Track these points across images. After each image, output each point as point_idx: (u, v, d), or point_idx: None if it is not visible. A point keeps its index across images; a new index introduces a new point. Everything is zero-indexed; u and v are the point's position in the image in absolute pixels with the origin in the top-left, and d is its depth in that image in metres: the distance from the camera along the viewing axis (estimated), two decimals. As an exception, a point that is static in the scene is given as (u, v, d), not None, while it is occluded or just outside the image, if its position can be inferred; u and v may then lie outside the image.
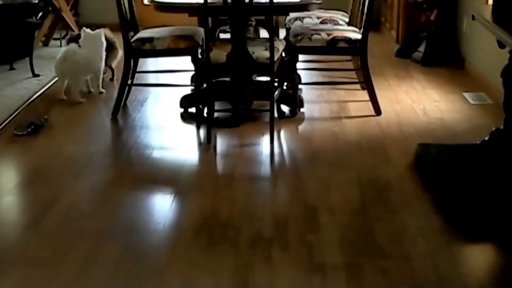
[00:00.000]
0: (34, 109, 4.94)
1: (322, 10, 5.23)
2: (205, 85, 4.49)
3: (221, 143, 4.34)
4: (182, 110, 4.82)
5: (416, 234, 3.08)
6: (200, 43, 4.57)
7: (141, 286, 2.74)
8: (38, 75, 5.66)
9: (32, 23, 5.82)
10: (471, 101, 4.94)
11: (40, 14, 6.24)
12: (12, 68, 5.87)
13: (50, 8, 6.39)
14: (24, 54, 5.84)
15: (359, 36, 4.64)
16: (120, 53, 5.27)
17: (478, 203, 3.24)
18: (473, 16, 3.84)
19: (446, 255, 2.92)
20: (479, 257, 3.05)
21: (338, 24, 5.10)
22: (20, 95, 5.15)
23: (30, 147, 4.25)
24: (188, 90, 5.00)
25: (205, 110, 4.50)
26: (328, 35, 4.63)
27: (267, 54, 4.29)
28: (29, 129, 4.42)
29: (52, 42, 6.84)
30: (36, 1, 5.78)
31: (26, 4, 5.76)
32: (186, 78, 5.15)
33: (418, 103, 4.95)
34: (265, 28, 5.01)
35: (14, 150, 4.25)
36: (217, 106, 4.55)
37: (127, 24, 4.70)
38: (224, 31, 5.01)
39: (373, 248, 2.98)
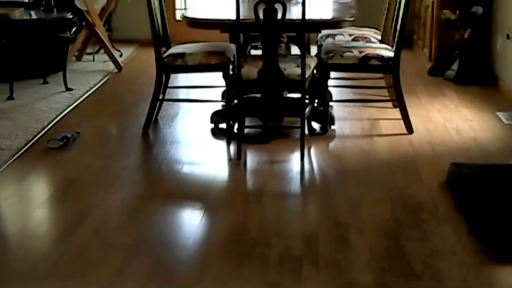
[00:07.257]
0: (66, 123, 4.98)
1: (354, 28, 5.21)
2: (236, 101, 4.50)
3: (251, 159, 4.34)
4: (212, 125, 4.83)
5: (448, 255, 3.04)
6: (232, 59, 4.59)
7: (170, 302, 2.74)
8: (71, 89, 5.72)
9: (66, 37, 5.90)
10: (505, 121, 4.87)
11: (73, 29, 6.33)
12: (45, 82, 5.93)
13: (83, 23, 6.47)
14: (57, 68, 5.93)
15: (391, 54, 4.61)
16: None
17: (512, 224, 3.19)
18: (507, 35, 3.81)
19: (478, 277, 2.87)
20: (513, 280, 2.99)
21: (370, 41, 5.08)
22: (53, 109, 5.21)
23: (62, 160, 4.28)
24: (218, 106, 5.02)
25: (236, 126, 4.50)
26: (360, 52, 4.62)
27: (298, 71, 4.29)
28: (62, 143, 4.46)
29: (85, 57, 6.91)
30: (70, 16, 5.86)
31: (60, 19, 5.85)
32: (217, 94, 5.17)
33: (450, 122, 4.90)
34: (296, 45, 5.00)
35: (46, 163, 4.29)
36: (247, 122, 4.55)
37: (160, 39, 4.74)
38: (256, 48, 5.02)
39: (404, 268, 2.94)
